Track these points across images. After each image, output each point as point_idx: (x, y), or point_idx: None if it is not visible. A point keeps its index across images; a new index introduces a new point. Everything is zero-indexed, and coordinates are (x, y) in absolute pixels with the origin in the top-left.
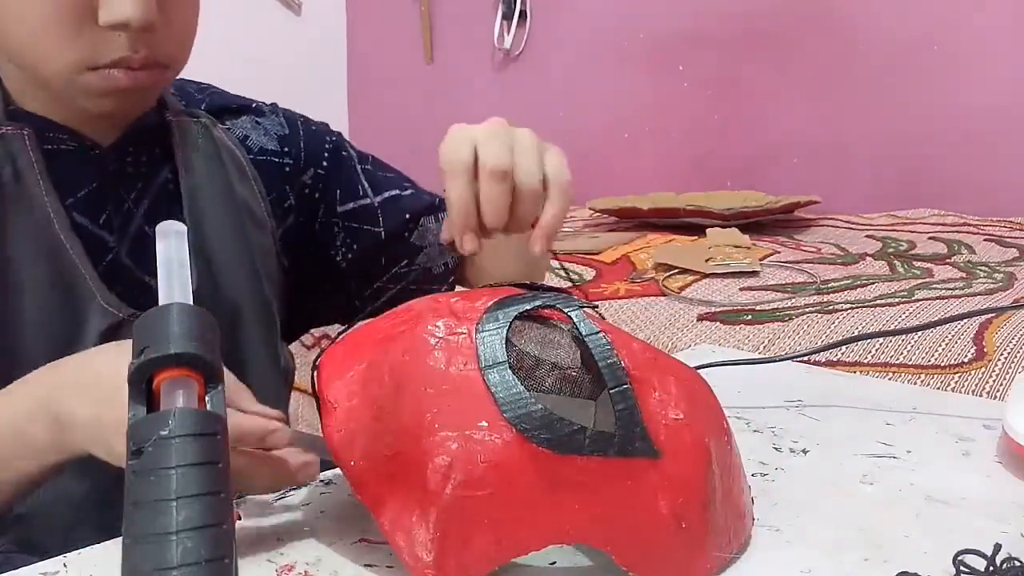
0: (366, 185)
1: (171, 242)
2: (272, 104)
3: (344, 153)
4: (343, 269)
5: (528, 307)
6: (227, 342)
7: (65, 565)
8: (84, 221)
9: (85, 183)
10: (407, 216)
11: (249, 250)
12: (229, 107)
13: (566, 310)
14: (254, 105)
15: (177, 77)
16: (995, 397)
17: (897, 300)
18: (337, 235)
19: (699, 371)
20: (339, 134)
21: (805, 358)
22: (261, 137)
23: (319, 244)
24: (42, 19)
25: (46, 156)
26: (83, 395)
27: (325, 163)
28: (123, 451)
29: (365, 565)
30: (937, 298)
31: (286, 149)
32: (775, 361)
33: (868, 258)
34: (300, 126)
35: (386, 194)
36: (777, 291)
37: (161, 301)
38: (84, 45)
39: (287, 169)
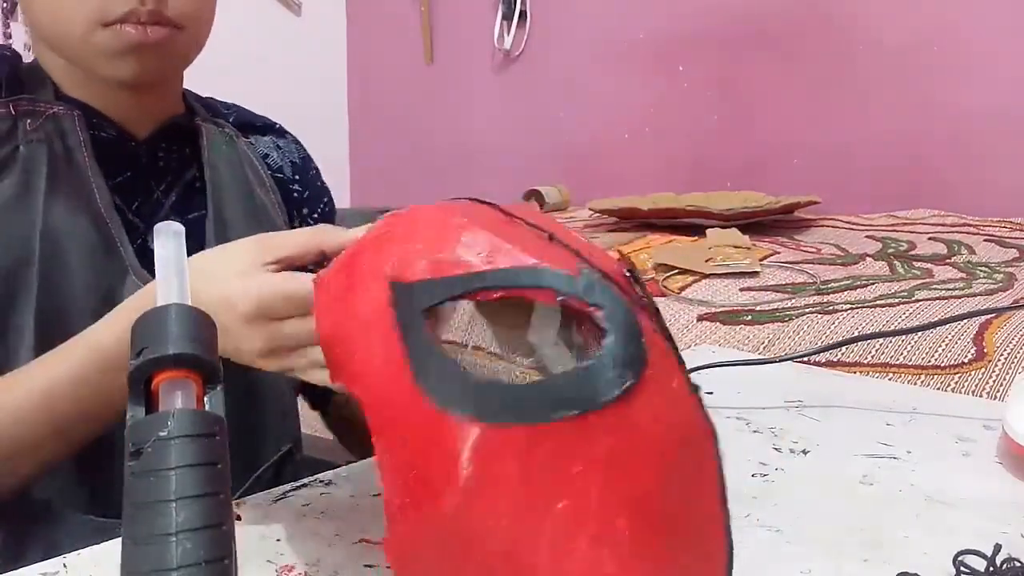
0: None
1: (169, 242)
2: (293, 135)
3: (334, 217)
4: None
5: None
6: None
7: (65, 565)
8: (122, 204)
9: (122, 171)
10: None
11: None
12: (254, 124)
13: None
14: (276, 126)
15: (207, 96)
16: (995, 397)
17: (897, 300)
18: None
19: (699, 372)
20: (334, 204)
21: (805, 358)
22: (280, 159)
23: None
24: None
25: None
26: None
27: (317, 214)
28: (251, 347)
29: (365, 565)
30: (937, 298)
31: (297, 178)
32: (775, 361)
33: (868, 258)
34: (313, 170)
35: None
36: (777, 291)
37: (159, 302)
38: (94, 1)
39: (295, 195)
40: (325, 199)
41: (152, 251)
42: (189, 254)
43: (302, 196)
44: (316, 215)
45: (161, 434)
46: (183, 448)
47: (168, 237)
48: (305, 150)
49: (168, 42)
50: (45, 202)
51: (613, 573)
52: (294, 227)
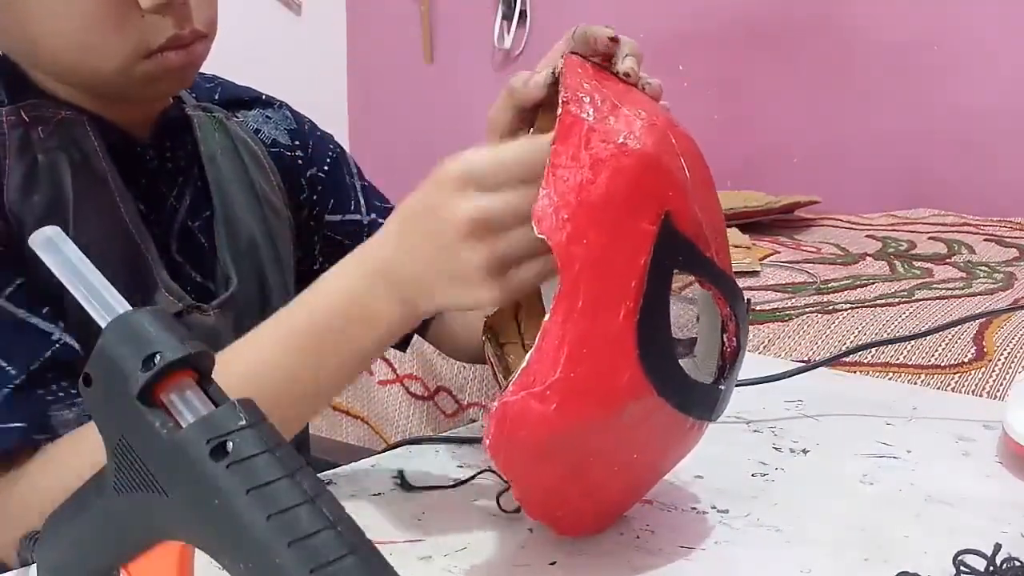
0: (361, 201)
1: (59, 250)
2: (280, 100)
3: (345, 167)
4: None
5: None
6: None
7: None
8: (146, 213)
9: (138, 177)
10: None
11: (273, 240)
12: (241, 99)
13: None
14: (263, 97)
15: None
16: (995, 397)
17: (897, 300)
18: (316, 244)
19: None
20: (343, 148)
21: (804, 358)
22: (272, 130)
23: (303, 247)
24: (86, 16)
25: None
26: (415, 254)
27: (326, 167)
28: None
29: None
30: (937, 298)
31: (296, 143)
32: (787, 376)
33: (868, 258)
34: (307, 124)
35: (375, 216)
36: (777, 291)
37: (102, 315)
38: (133, 33)
39: (299, 162)
40: (331, 145)
41: (177, 262)
42: (203, 260)
43: (307, 157)
44: (326, 166)
45: (241, 423)
46: (266, 432)
47: (52, 246)
48: (296, 112)
49: (201, 55)
50: (75, 217)
51: None
52: (299, 199)
